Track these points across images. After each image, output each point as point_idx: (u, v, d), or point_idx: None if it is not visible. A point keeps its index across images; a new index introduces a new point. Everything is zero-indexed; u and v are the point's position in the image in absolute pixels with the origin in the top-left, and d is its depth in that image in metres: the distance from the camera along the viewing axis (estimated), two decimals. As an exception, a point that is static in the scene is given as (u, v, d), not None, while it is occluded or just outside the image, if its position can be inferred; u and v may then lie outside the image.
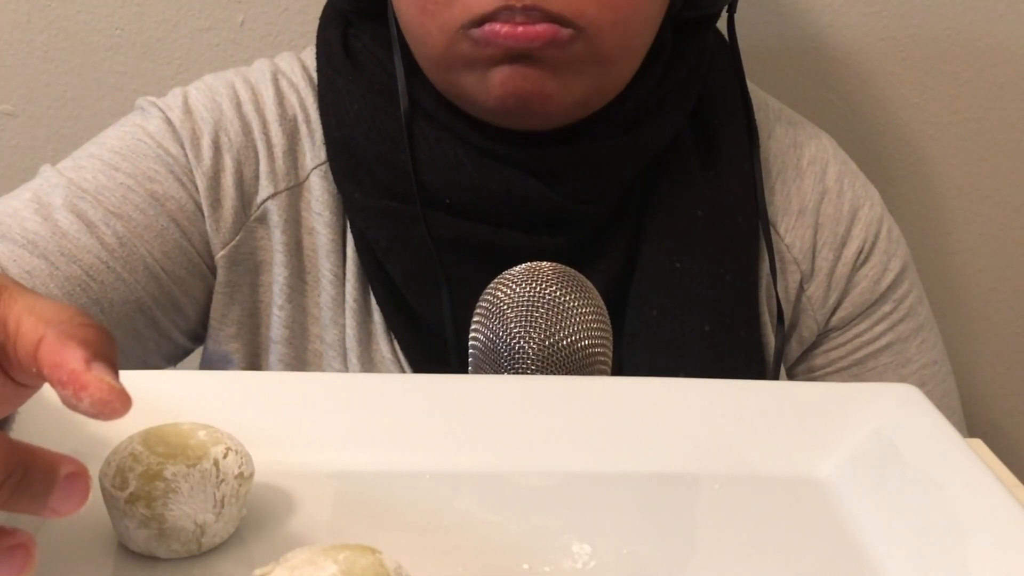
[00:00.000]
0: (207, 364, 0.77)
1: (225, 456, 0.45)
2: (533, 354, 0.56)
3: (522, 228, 0.71)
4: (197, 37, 0.98)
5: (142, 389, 0.39)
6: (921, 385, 0.79)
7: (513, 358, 0.56)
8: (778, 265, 0.77)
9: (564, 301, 0.57)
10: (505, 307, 0.57)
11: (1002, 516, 0.44)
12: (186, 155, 0.72)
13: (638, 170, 0.73)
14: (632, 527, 0.48)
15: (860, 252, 0.79)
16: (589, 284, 0.59)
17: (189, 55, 0.99)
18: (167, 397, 0.51)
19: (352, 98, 0.73)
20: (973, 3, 0.99)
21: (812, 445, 0.53)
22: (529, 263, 0.59)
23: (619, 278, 0.73)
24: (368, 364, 0.74)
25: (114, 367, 0.37)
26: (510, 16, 0.63)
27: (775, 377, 0.76)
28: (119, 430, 0.44)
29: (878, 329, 0.80)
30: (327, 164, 0.75)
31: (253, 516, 0.47)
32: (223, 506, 0.44)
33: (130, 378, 0.37)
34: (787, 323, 0.78)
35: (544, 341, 0.56)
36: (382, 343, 0.74)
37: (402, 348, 0.74)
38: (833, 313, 0.80)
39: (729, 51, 0.80)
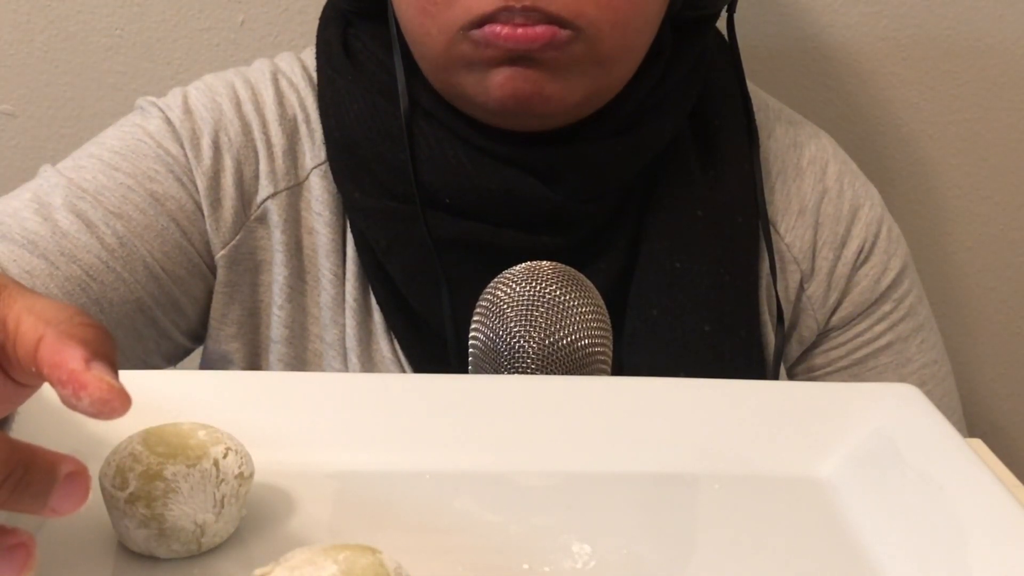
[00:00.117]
0: (207, 364, 0.77)
1: (225, 456, 0.45)
2: (533, 353, 0.56)
3: (522, 228, 0.71)
4: (197, 37, 0.98)
5: (142, 389, 0.39)
6: (921, 385, 0.79)
7: (513, 357, 0.56)
8: (778, 265, 0.78)
9: (564, 300, 0.57)
10: (505, 306, 0.57)
11: (1002, 516, 0.44)
12: (186, 155, 0.72)
13: (638, 170, 0.73)
14: (632, 527, 0.48)
15: (860, 252, 0.79)
16: (589, 284, 0.59)
17: (189, 55, 0.99)
18: (167, 397, 0.51)
19: (352, 98, 0.73)
20: (973, 3, 0.99)
21: (812, 445, 0.53)
22: (529, 262, 0.59)
23: (619, 278, 0.73)
24: (368, 364, 0.74)
25: (114, 366, 0.37)
26: (509, 17, 0.63)
27: (775, 377, 0.76)
28: (119, 430, 0.44)
29: (878, 329, 0.80)
30: (327, 164, 0.75)
31: (253, 516, 0.47)
32: (223, 506, 0.44)
33: (130, 378, 0.37)
34: (787, 323, 0.78)
35: (544, 340, 0.56)
36: (382, 343, 0.74)
37: (402, 348, 0.74)
38: (833, 313, 0.80)
39: (729, 51, 0.80)
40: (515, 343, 0.56)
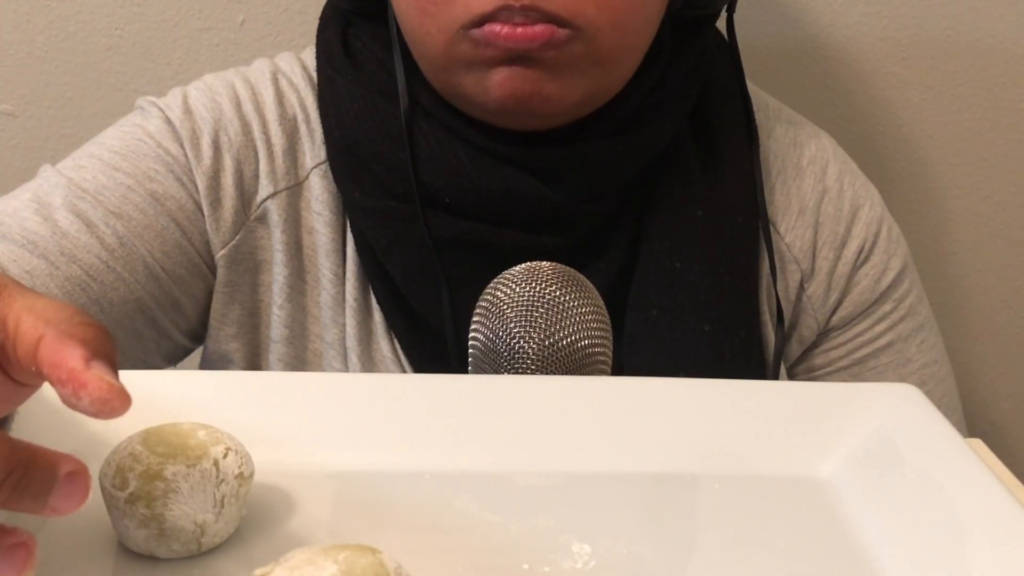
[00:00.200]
0: (207, 364, 0.77)
1: (225, 456, 0.45)
2: (533, 354, 0.56)
3: (522, 228, 0.71)
4: (197, 37, 0.98)
5: (142, 389, 0.39)
6: (921, 385, 0.79)
7: (513, 358, 0.56)
8: (778, 264, 0.78)
9: (564, 301, 0.57)
10: (505, 307, 0.57)
11: (1002, 516, 0.44)
12: (186, 155, 0.72)
13: (638, 170, 0.73)
14: (632, 527, 0.48)
15: (860, 251, 0.79)
16: (589, 284, 0.59)
17: (189, 55, 0.99)
18: (167, 397, 0.51)
19: (352, 97, 0.73)
20: (973, 3, 0.99)
21: (812, 445, 0.53)
22: (529, 263, 0.59)
23: (619, 278, 0.73)
24: (368, 363, 0.74)
25: (113, 366, 0.37)
26: (509, 16, 0.63)
27: (775, 377, 0.76)
28: (119, 430, 0.44)
29: (878, 328, 0.80)
30: (327, 163, 0.75)
31: (253, 516, 0.47)
32: (223, 506, 0.44)
33: (130, 378, 0.37)
34: (787, 323, 0.78)
35: (544, 341, 0.56)
36: (382, 342, 0.74)
37: (402, 348, 0.74)
38: (833, 312, 0.80)
39: (729, 51, 0.80)
40: (515, 343, 0.56)
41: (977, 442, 0.53)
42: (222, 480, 0.44)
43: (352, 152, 0.73)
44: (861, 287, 0.80)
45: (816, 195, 0.79)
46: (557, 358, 0.56)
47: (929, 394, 0.63)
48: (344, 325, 0.74)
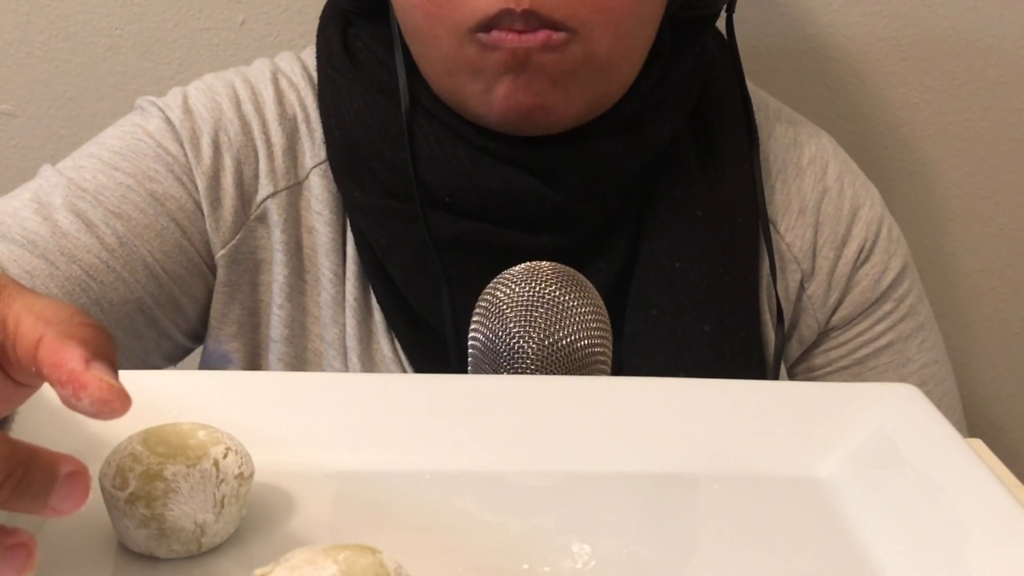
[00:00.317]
0: (207, 363, 0.77)
1: (225, 456, 0.45)
2: (532, 354, 0.56)
3: (522, 227, 0.71)
4: (197, 37, 0.98)
5: (142, 389, 0.39)
6: (921, 385, 0.79)
7: (512, 358, 0.56)
8: (778, 264, 0.78)
9: (563, 301, 0.57)
10: (504, 307, 0.57)
11: (1002, 516, 0.44)
12: (186, 154, 0.72)
13: (638, 170, 0.73)
14: (632, 527, 0.48)
15: (861, 251, 0.79)
16: (589, 284, 0.59)
17: (189, 55, 0.99)
18: (167, 397, 0.51)
19: (352, 97, 0.73)
20: (973, 3, 0.99)
21: (812, 445, 0.53)
22: (529, 262, 0.59)
23: (619, 278, 0.73)
24: (368, 363, 0.74)
25: (114, 366, 0.37)
26: (511, 22, 0.63)
27: (775, 377, 0.76)
28: (119, 430, 0.44)
29: (878, 328, 0.80)
30: (327, 163, 0.75)
31: (253, 516, 0.47)
32: (223, 506, 0.44)
33: (130, 378, 0.37)
34: (787, 322, 0.78)
35: (543, 341, 0.56)
36: (383, 342, 0.74)
37: (403, 347, 0.74)
38: (834, 312, 0.80)
39: (728, 51, 0.80)
40: (514, 343, 0.56)
41: (977, 442, 0.53)
42: (222, 480, 0.44)
43: (352, 151, 0.73)
44: (861, 287, 0.80)
45: (816, 195, 0.79)
46: (557, 358, 0.56)
47: (929, 394, 0.63)
48: (344, 325, 0.74)
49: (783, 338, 0.76)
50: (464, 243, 0.71)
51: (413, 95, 0.72)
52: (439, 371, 0.71)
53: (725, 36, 0.81)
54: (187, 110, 0.74)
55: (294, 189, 0.75)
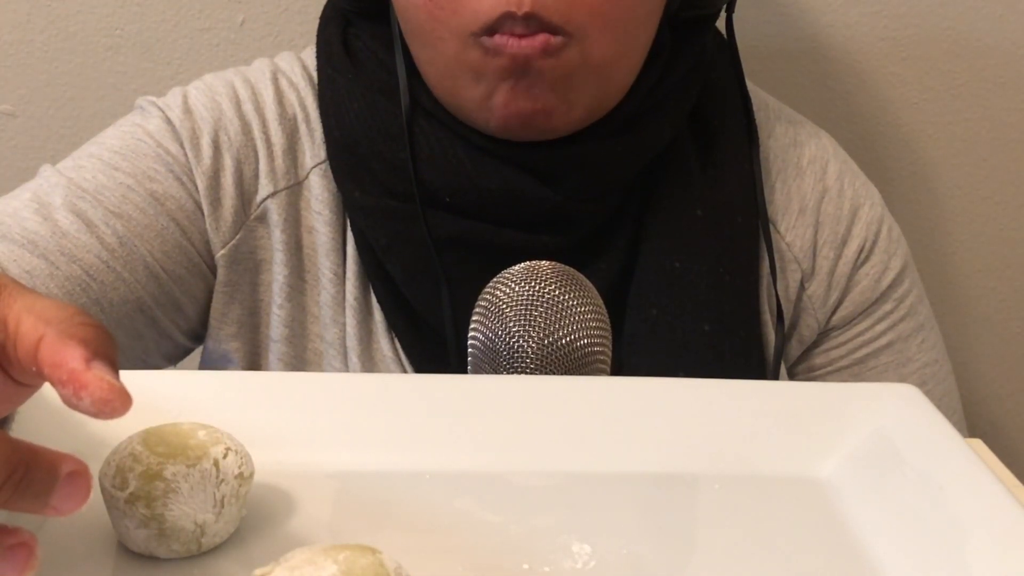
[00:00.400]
0: (207, 363, 0.77)
1: (225, 456, 0.45)
2: (532, 353, 0.56)
3: (522, 227, 0.71)
4: (197, 37, 0.98)
5: (142, 389, 0.39)
6: (921, 384, 0.79)
7: (512, 357, 0.56)
8: (779, 264, 0.78)
9: (563, 300, 0.57)
10: (504, 306, 0.57)
11: (1002, 516, 0.44)
12: (186, 154, 0.72)
13: (638, 170, 0.73)
14: (632, 527, 0.48)
15: (861, 251, 0.79)
16: (588, 283, 0.59)
17: (189, 55, 0.99)
18: (167, 397, 0.51)
19: (352, 97, 0.73)
20: (973, 3, 0.99)
21: (812, 445, 0.53)
22: (528, 262, 0.59)
23: (619, 278, 0.73)
24: (369, 363, 0.74)
25: (114, 366, 0.37)
26: (512, 26, 0.63)
27: (775, 377, 0.76)
28: (119, 430, 0.44)
29: (879, 328, 0.80)
30: (327, 163, 0.75)
31: (253, 516, 0.47)
32: (223, 506, 0.44)
33: (130, 378, 0.37)
34: (787, 322, 0.78)
35: (543, 340, 0.56)
36: (383, 341, 0.74)
37: (403, 347, 0.74)
38: (834, 312, 0.80)
39: (728, 50, 0.80)
40: (514, 343, 0.56)
41: (977, 442, 0.53)
42: (222, 480, 0.44)
43: (352, 151, 0.73)
44: (861, 287, 0.80)
45: (816, 194, 0.79)
46: (556, 357, 0.56)
47: (929, 394, 0.63)
48: (344, 324, 0.74)
49: (783, 338, 0.76)
50: (464, 243, 0.71)
51: (413, 95, 0.72)
52: (439, 371, 0.71)
53: (725, 36, 0.81)
54: (187, 110, 0.74)
55: (294, 189, 0.75)
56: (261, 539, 0.46)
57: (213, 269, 0.74)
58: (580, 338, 0.57)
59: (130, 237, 0.70)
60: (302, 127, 0.76)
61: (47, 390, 0.38)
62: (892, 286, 0.80)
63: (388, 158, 0.71)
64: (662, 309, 0.72)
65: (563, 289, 0.57)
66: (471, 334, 0.59)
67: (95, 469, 0.40)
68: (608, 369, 0.59)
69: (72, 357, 0.36)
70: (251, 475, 0.46)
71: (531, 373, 0.56)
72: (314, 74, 0.77)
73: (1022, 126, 1.04)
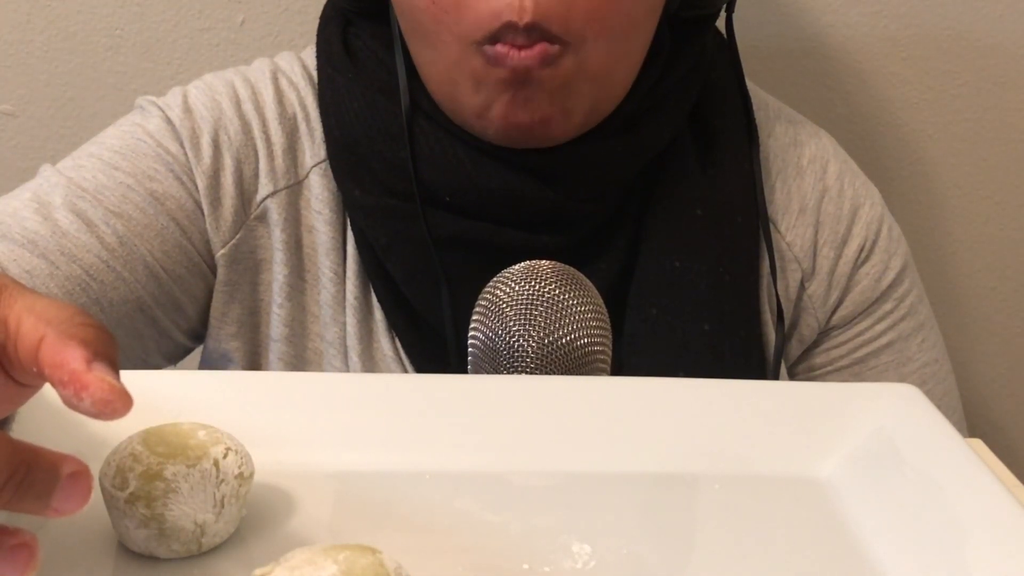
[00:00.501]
0: (207, 363, 0.77)
1: (225, 456, 0.45)
2: (532, 352, 0.56)
3: (522, 227, 0.71)
4: (197, 37, 0.98)
5: (142, 389, 0.39)
6: (921, 384, 0.79)
7: (512, 356, 0.56)
8: (779, 263, 0.78)
9: (563, 300, 0.57)
10: (504, 305, 0.57)
11: (1002, 516, 0.44)
12: (186, 154, 0.72)
13: (638, 169, 0.73)
14: (632, 527, 0.48)
15: (861, 250, 0.79)
16: (588, 283, 0.59)
17: (189, 55, 0.99)
18: (167, 397, 0.51)
19: (352, 96, 0.73)
20: (973, 3, 0.99)
21: (812, 445, 0.53)
22: (528, 261, 0.59)
23: (619, 277, 0.73)
24: (369, 362, 0.74)
25: (115, 367, 0.37)
26: (514, 36, 0.63)
27: (775, 376, 0.76)
28: (119, 430, 0.44)
29: (879, 328, 0.80)
30: (327, 162, 0.75)
31: (253, 516, 0.47)
32: (223, 506, 0.44)
33: (130, 378, 0.37)
34: (788, 322, 0.78)
35: (543, 340, 0.56)
36: (383, 341, 0.74)
37: (403, 346, 0.74)
38: (834, 312, 0.80)
39: (728, 50, 0.80)
40: (514, 342, 0.56)
41: (977, 442, 0.53)
42: (222, 480, 0.44)
43: (352, 150, 0.73)
44: (862, 286, 0.80)
45: (816, 194, 0.79)
46: (556, 357, 0.56)
47: (929, 393, 0.63)
48: (344, 324, 0.74)
49: (783, 338, 0.76)
50: (464, 242, 0.71)
51: (412, 96, 0.72)
52: (440, 370, 0.71)
53: (725, 36, 0.81)
54: (187, 109, 0.74)
55: (294, 188, 0.75)
56: (261, 539, 0.46)
57: (213, 268, 0.74)
58: (580, 338, 0.57)
59: (130, 237, 0.70)
60: (302, 126, 0.76)
61: (47, 390, 0.38)
62: (892, 285, 0.80)
63: (388, 157, 0.71)
64: (662, 309, 0.72)
65: (563, 289, 0.57)
66: (471, 333, 0.59)
67: (95, 469, 0.40)
68: (608, 369, 0.59)
69: (73, 358, 0.36)
70: (251, 475, 0.46)
71: (531, 373, 0.56)
72: (314, 73, 0.77)
73: (1022, 126, 1.04)
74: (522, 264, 0.59)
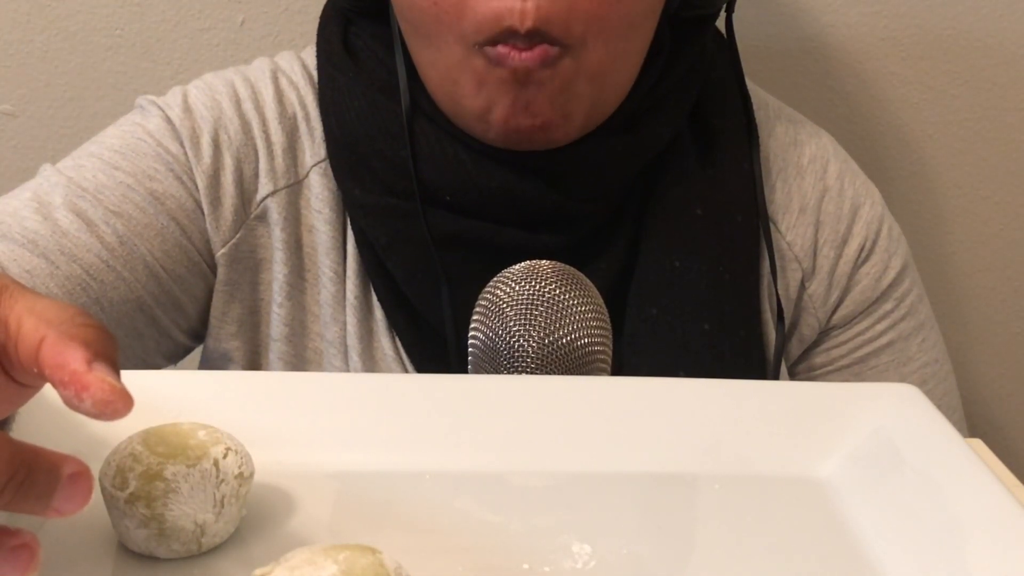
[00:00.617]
0: (207, 362, 0.77)
1: (225, 456, 0.45)
2: (532, 352, 0.56)
3: (522, 226, 0.71)
4: (197, 37, 0.98)
5: (142, 389, 0.39)
6: (922, 384, 0.79)
7: (512, 356, 0.56)
8: (779, 263, 0.78)
9: (564, 299, 0.57)
10: (504, 305, 0.57)
11: (1002, 516, 0.44)
12: (186, 153, 0.72)
13: (638, 169, 0.74)
14: (632, 527, 0.48)
15: (861, 250, 0.79)
16: (589, 283, 0.59)
17: (189, 55, 0.99)
18: (167, 397, 0.51)
19: (352, 95, 0.73)
20: (973, 3, 0.99)
21: (812, 445, 0.53)
22: (529, 261, 0.59)
23: (619, 277, 0.73)
24: (369, 361, 0.74)
25: (115, 367, 0.37)
26: (516, 40, 0.63)
27: (775, 376, 0.76)
28: (119, 430, 0.44)
29: (879, 327, 0.80)
30: (327, 162, 0.75)
31: (253, 516, 0.47)
32: (223, 506, 0.44)
33: (130, 378, 0.37)
34: (788, 322, 0.78)
35: (543, 339, 0.56)
36: (383, 340, 0.74)
37: (404, 346, 0.74)
38: (834, 311, 0.80)
39: (728, 50, 0.80)
40: (514, 342, 0.56)
41: (977, 442, 0.53)
42: (222, 480, 0.44)
43: (352, 150, 0.73)
44: (862, 286, 0.80)
45: (817, 194, 0.79)
46: (557, 357, 0.56)
47: (929, 393, 0.63)
48: (345, 323, 0.74)
49: (783, 337, 0.76)
50: (464, 242, 0.71)
51: (413, 95, 0.72)
52: (440, 370, 0.71)
53: (725, 36, 0.81)
54: (187, 109, 0.74)
55: (294, 188, 0.75)
56: (261, 539, 0.46)
57: (213, 268, 0.74)
58: (580, 337, 0.57)
59: (130, 236, 0.70)
60: (302, 126, 0.76)
61: (47, 391, 0.38)
62: (892, 285, 0.80)
63: (388, 156, 0.71)
64: (662, 309, 0.72)
65: (564, 288, 0.57)
66: (471, 333, 0.59)
67: (95, 469, 0.40)
68: (608, 369, 0.59)
69: (73, 358, 0.36)
70: (251, 475, 0.46)
71: (531, 373, 0.56)
72: (314, 73, 0.77)
73: (1022, 126, 1.04)
74: (522, 264, 0.59)
